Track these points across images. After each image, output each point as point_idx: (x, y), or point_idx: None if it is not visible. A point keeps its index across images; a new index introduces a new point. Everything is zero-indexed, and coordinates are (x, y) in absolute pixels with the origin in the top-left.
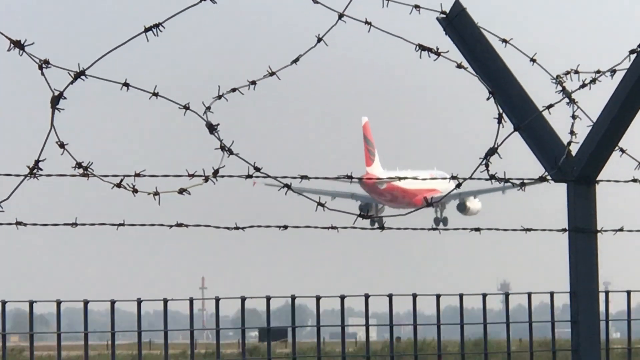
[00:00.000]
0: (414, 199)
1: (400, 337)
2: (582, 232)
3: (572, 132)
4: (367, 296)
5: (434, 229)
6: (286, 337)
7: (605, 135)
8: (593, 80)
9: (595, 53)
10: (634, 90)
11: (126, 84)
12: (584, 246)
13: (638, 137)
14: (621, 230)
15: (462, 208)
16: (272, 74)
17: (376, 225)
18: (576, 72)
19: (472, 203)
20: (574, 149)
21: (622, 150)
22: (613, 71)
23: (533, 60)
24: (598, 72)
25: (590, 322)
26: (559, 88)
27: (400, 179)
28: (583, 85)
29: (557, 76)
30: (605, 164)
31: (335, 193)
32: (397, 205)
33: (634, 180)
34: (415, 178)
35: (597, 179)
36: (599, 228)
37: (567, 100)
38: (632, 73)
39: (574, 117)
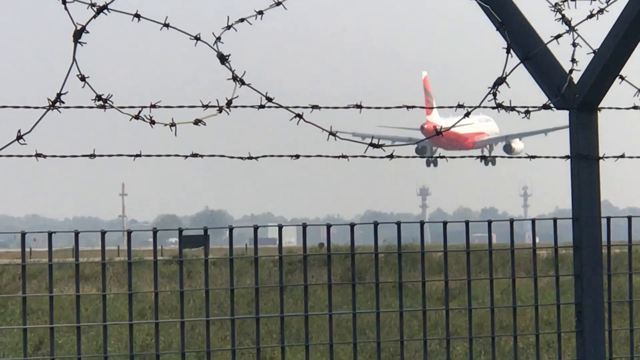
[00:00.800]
0: (466, 142)
1: (323, 243)
2: (585, 158)
3: (573, 60)
4: (328, 225)
5: (436, 157)
6: (206, 244)
7: (608, 64)
8: (601, 11)
9: None
10: (637, 18)
11: (137, 15)
12: (586, 173)
13: (636, 64)
14: (622, 156)
15: (508, 149)
16: (278, 3)
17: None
18: None
19: (517, 144)
20: (576, 77)
21: (622, 78)
22: None
23: None
24: None
25: (592, 248)
26: (558, 16)
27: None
28: (590, 16)
29: (556, 4)
30: (607, 92)
31: (395, 138)
32: (451, 147)
33: (635, 108)
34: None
35: (599, 106)
36: (600, 155)
37: (567, 28)
38: (635, 1)
39: (574, 44)
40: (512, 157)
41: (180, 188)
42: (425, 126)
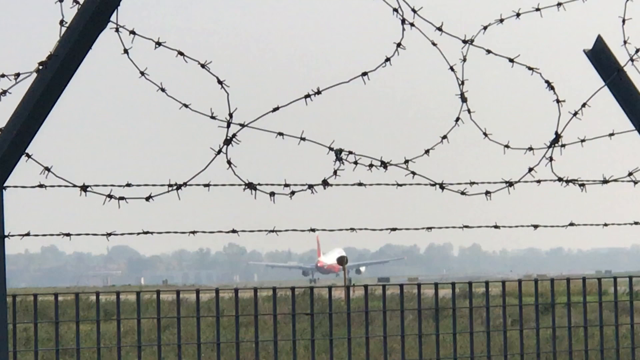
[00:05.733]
0: (335, 270)
1: None
2: None
3: None
4: None
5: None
6: None
7: (14, 142)
8: (4, 92)
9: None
10: (42, 98)
11: None
12: None
13: (42, 143)
14: (28, 235)
15: (358, 272)
16: None
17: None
18: None
19: (362, 268)
20: None
21: (29, 156)
22: (17, 75)
23: None
24: (2, 75)
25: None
26: None
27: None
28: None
29: None
30: (14, 170)
31: (291, 266)
32: (326, 273)
33: (40, 186)
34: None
35: (5, 185)
36: (7, 233)
37: None
38: (40, 82)
39: None
40: None
41: None
42: (319, 264)
